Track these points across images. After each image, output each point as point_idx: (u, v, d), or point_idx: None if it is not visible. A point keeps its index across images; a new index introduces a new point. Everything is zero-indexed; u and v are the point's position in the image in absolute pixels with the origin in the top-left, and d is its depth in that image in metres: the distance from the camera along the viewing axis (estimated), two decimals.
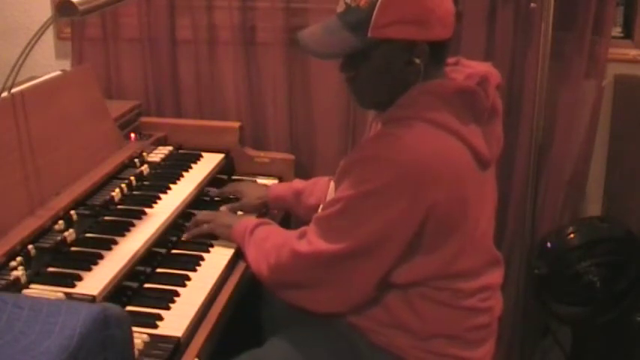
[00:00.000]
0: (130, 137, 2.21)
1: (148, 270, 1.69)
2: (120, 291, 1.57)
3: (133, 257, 1.62)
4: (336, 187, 1.52)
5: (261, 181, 2.22)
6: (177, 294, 1.60)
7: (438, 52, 1.47)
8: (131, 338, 1.26)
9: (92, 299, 1.45)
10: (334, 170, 1.59)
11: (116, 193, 1.86)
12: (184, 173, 2.07)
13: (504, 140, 1.62)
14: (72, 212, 1.72)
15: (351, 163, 1.48)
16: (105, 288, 1.50)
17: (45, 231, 1.64)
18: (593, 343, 2.27)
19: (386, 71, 1.48)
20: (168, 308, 1.55)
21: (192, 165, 2.14)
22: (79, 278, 1.52)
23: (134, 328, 1.29)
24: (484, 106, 1.50)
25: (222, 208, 2.00)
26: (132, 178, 1.95)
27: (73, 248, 1.64)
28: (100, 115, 2.03)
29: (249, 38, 2.38)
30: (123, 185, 1.90)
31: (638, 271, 2.13)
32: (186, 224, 1.88)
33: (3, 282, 1.46)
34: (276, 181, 2.22)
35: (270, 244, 1.63)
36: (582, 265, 2.11)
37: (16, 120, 1.71)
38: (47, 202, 1.71)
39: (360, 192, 1.44)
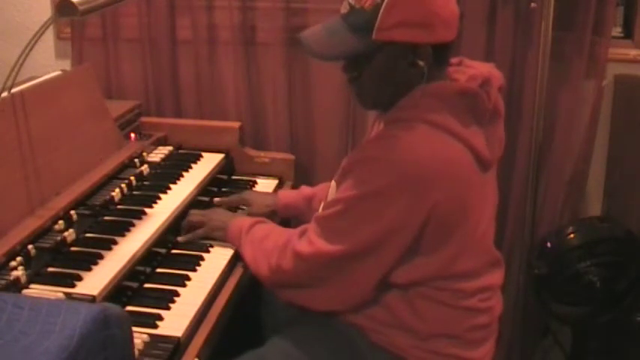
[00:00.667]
0: (130, 137, 2.20)
1: (148, 270, 1.69)
2: (120, 291, 1.57)
3: (133, 257, 1.62)
4: (337, 187, 1.52)
5: (261, 181, 2.22)
6: (177, 294, 1.60)
7: (440, 53, 1.47)
8: (131, 338, 1.26)
9: (92, 299, 1.45)
10: (334, 170, 1.59)
11: (116, 193, 1.86)
12: (184, 173, 2.07)
13: (504, 140, 1.62)
14: (72, 212, 1.72)
15: (353, 164, 1.49)
16: (105, 288, 1.50)
17: (45, 231, 1.64)
18: (593, 343, 2.26)
19: (389, 73, 1.48)
20: (168, 308, 1.55)
21: (192, 165, 2.13)
22: (79, 278, 1.52)
23: (134, 328, 1.29)
24: (486, 108, 1.50)
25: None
26: (132, 178, 1.95)
27: (73, 248, 1.64)
28: (100, 115, 2.03)
29: (249, 38, 2.38)
30: (123, 185, 1.90)
31: (638, 271, 2.13)
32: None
33: (3, 282, 1.46)
34: (276, 182, 2.22)
35: (271, 244, 1.63)
36: (582, 265, 2.11)
37: (16, 120, 1.70)
38: (47, 202, 1.71)
39: (360, 193, 1.44)
